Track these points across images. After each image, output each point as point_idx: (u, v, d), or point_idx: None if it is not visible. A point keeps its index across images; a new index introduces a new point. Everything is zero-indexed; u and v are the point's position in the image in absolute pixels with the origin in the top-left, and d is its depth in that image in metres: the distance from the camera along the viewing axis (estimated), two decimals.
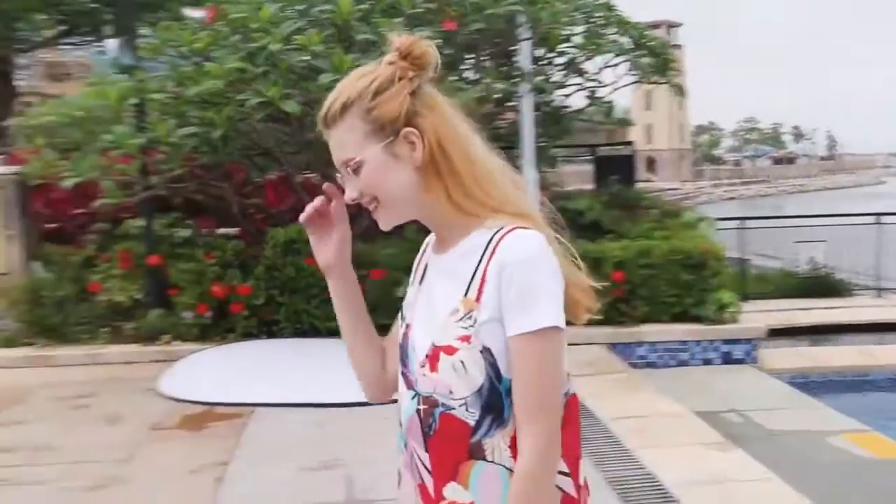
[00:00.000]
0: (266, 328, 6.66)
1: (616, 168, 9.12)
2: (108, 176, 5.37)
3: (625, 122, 7.01)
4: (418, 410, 1.31)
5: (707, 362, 6.70)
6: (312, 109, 5.77)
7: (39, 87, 19.51)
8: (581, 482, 1.33)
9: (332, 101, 1.28)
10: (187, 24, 5.65)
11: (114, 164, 5.58)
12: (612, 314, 6.65)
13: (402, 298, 5.06)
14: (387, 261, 6.36)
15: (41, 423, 5.10)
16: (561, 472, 1.28)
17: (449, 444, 1.27)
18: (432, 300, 1.32)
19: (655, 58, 6.48)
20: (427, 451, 1.30)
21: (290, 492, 3.90)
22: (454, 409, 1.26)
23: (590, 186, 10.09)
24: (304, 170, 7.56)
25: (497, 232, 1.24)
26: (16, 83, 11.30)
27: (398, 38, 1.28)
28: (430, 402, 1.28)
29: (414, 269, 1.46)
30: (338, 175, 1.32)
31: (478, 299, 1.23)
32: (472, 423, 1.25)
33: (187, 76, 5.12)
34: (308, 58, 4.54)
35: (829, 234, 9.28)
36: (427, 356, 1.28)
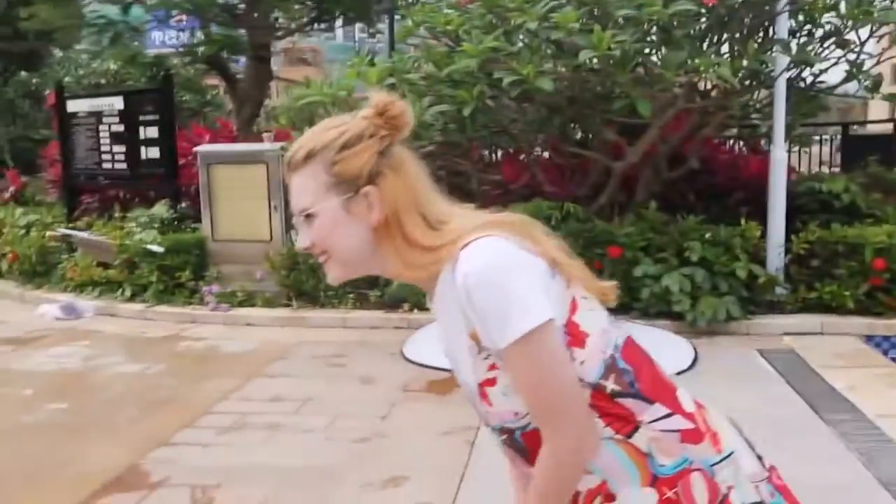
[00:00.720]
0: None
1: (871, 148, 8.39)
2: None
3: (894, 97, 6.41)
4: (503, 441, 1.34)
5: None
6: (565, 88, 5.87)
7: (279, 71, 21.12)
8: (689, 409, 1.30)
9: (299, 147, 1.29)
10: (439, 6, 5.87)
11: None
12: (869, 304, 6.17)
13: (639, 278, 5.12)
14: (624, 239, 6.31)
15: (304, 377, 5.58)
16: (662, 417, 1.26)
17: None
18: (451, 346, 1.32)
19: None
20: (533, 465, 1.30)
21: None
22: (529, 425, 1.26)
23: (825, 169, 9.40)
24: (536, 146, 7.67)
25: (456, 258, 1.21)
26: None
27: (377, 96, 1.28)
28: (507, 431, 1.30)
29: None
30: (295, 220, 1.33)
31: (476, 328, 1.21)
32: None
33: (441, 56, 5.34)
34: (563, 35, 4.58)
35: None
36: (479, 396, 1.28)
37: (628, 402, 1.25)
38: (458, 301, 1.21)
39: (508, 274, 1.18)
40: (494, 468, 3.85)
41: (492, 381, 1.25)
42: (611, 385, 1.25)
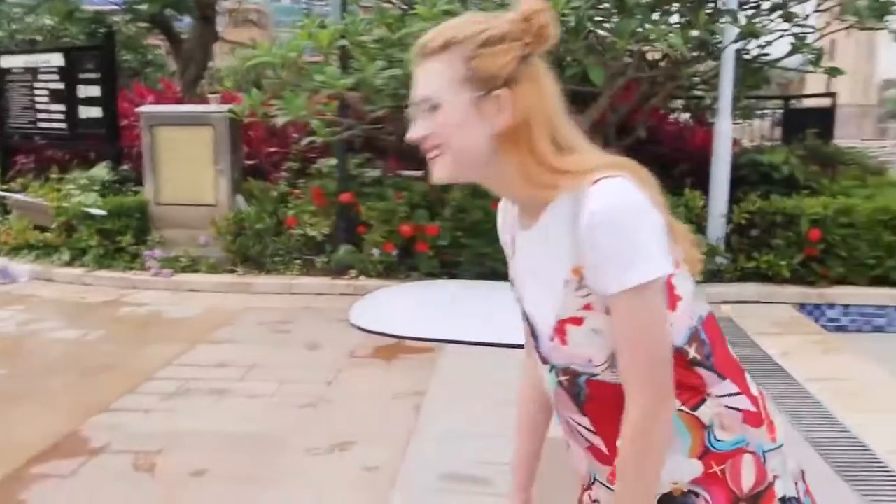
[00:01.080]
0: (448, 269, 6.86)
1: (810, 121, 8.60)
2: (315, 115, 5.66)
3: (836, 71, 6.55)
4: (560, 382, 1.30)
5: None
6: None
7: (224, 32, 20.53)
8: (755, 392, 1.30)
9: (437, 34, 1.22)
10: None
11: (317, 104, 5.86)
12: (803, 273, 6.37)
13: None
14: None
15: (249, 343, 5.52)
16: (730, 394, 1.26)
17: (607, 406, 1.24)
18: (536, 274, 1.28)
19: (874, 0, 5.99)
20: (585, 415, 1.29)
21: (486, 423, 4.04)
22: (598, 374, 1.24)
23: (768, 142, 9.58)
24: None
25: (582, 190, 1.16)
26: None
27: (526, 1, 1.21)
28: (571, 373, 1.27)
29: (503, 242, 1.42)
30: (408, 109, 1.27)
31: (583, 264, 1.18)
32: (622, 381, 1.22)
33: (394, 19, 5.27)
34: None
35: None
36: (555, 330, 1.25)
37: (703, 373, 1.25)
38: (573, 233, 1.17)
39: (638, 221, 1.14)
40: (441, 433, 3.91)
41: (578, 321, 1.22)
42: (692, 352, 1.24)
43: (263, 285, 6.97)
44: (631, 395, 1.19)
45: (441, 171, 1.25)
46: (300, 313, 6.26)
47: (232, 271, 7.25)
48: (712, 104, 7.06)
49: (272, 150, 8.51)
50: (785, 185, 6.82)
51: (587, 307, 1.20)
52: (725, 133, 6.58)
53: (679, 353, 1.23)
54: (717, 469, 1.24)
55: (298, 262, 7.18)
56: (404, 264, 6.91)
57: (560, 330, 1.24)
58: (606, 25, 5.62)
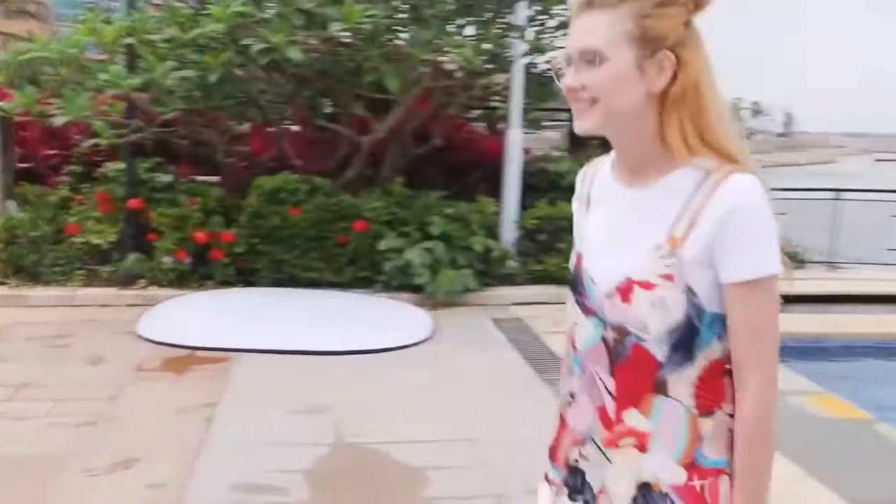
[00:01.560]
0: (244, 276, 6.67)
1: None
2: (98, 116, 5.31)
3: None
4: (605, 338, 1.31)
5: None
6: (315, 60, 5.74)
7: None
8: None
9: None
10: None
11: (101, 104, 5.51)
12: None
13: (383, 252, 5.24)
14: (370, 214, 6.41)
15: (20, 361, 5.06)
16: (732, 415, 1.30)
17: (636, 374, 1.28)
18: (619, 232, 1.31)
19: None
20: (613, 376, 1.31)
21: (281, 432, 3.98)
22: (646, 341, 1.26)
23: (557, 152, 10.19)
24: (286, 118, 7.55)
25: (711, 173, 1.21)
26: None
27: None
28: (622, 332, 1.29)
29: (579, 196, 1.47)
30: (555, 60, 1.29)
31: (685, 239, 1.22)
32: (661, 357, 1.26)
33: (186, 18, 5.06)
34: (314, 5, 4.51)
35: (785, 208, 9.59)
36: (618, 288, 1.27)
37: (727, 385, 1.28)
38: (687, 205, 1.21)
39: (772, 222, 1.21)
40: (233, 443, 3.79)
41: (650, 286, 1.23)
42: (729, 364, 1.27)
43: (39, 298, 6.43)
44: (745, 381, 1.24)
45: (588, 123, 1.25)
46: (81, 326, 5.84)
47: (2, 283, 6.62)
48: (505, 115, 7.38)
49: (51, 152, 7.89)
50: (571, 192, 7.23)
51: (667, 277, 1.23)
52: (516, 141, 6.92)
53: (720, 361, 1.28)
54: (697, 483, 1.27)
55: (81, 272, 6.70)
56: (198, 272, 6.64)
57: (625, 289, 1.26)
58: (403, 35, 5.72)
